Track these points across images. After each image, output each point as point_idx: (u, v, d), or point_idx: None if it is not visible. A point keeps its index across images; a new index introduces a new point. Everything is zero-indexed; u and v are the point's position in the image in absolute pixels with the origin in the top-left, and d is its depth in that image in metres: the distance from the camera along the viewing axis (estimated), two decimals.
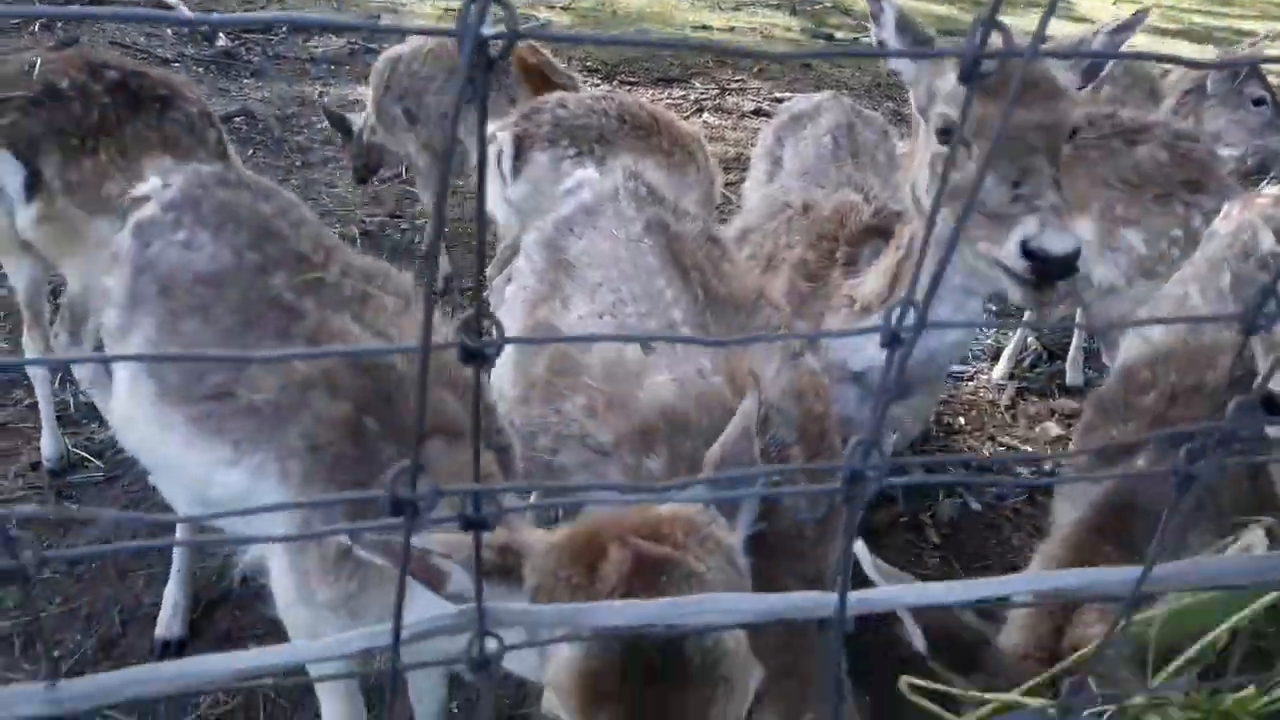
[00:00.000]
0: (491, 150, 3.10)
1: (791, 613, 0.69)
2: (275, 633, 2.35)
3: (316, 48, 7.61)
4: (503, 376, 2.01)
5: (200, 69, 6.90)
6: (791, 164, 2.89)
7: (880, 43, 1.94)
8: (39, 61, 2.52)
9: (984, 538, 3.21)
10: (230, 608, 2.63)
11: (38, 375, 2.87)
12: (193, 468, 1.77)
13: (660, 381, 1.71)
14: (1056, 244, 1.66)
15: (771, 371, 1.80)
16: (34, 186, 2.41)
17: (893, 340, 0.59)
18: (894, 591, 0.73)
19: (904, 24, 1.91)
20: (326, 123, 5.15)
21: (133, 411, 1.87)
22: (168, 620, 2.50)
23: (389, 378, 1.65)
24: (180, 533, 2.51)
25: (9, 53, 3.61)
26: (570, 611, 0.74)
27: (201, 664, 0.74)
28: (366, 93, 4.73)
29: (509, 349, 1.96)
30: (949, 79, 1.88)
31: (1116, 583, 0.78)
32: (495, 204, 3.17)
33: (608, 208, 2.15)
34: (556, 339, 1.95)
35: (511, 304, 2.15)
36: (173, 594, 2.51)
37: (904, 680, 0.96)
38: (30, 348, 2.84)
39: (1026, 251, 1.68)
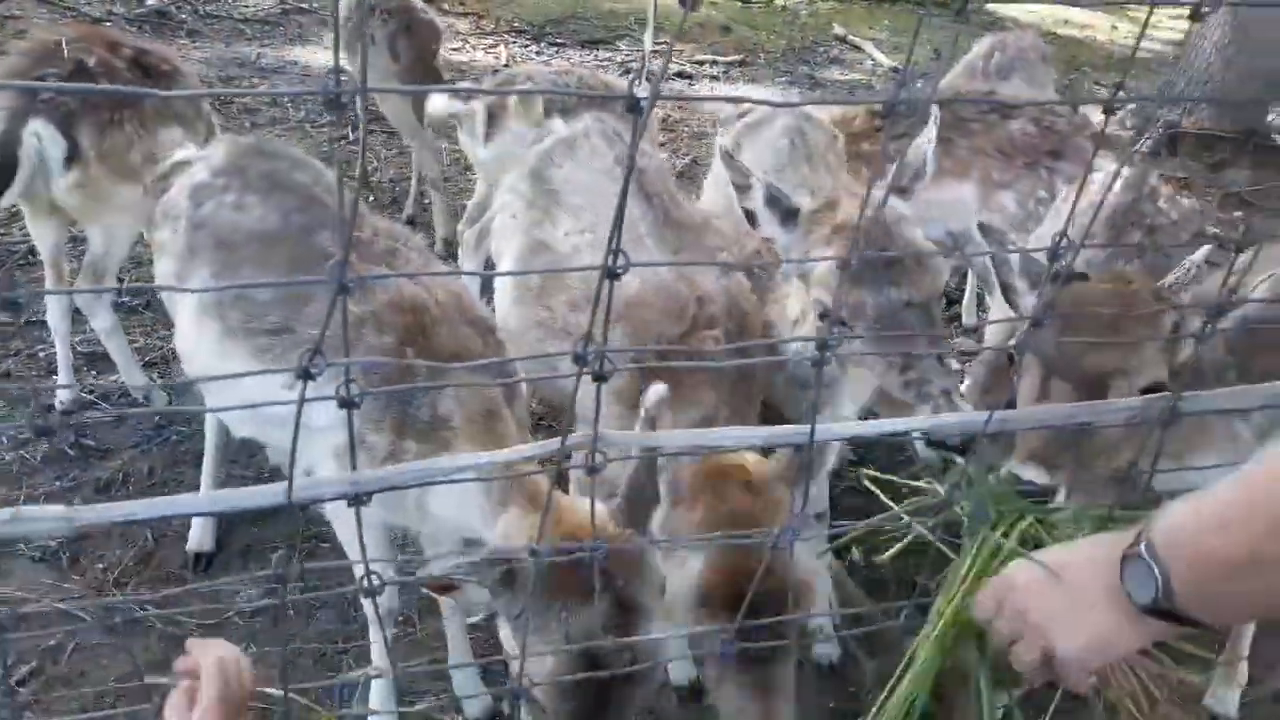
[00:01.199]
0: (467, 116, 3.50)
1: (776, 440, 1.17)
2: (288, 546, 2.79)
3: (248, 7, 7.74)
4: (503, 289, 2.47)
5: (133, 29, 6.98)
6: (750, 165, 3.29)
7: (748, 213, 2.16)
8: (63, 40, 2.82)
9: None
10: (249, 525, 3.02)
11: (58, 326, 3.18)
12: (254, 394, 2.16)
13: (626, 281, 2.17)
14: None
15: (711, 280, 2.28)
16: (72, 157, 2.73)
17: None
18: (851, 427, 1.22)
19: (771, 198, 2.15)
20: (268, 84, 5.38)
21: (196, 346, 2.25)
22: (198, 536, 2.89)
23: (424, 317, 2.06)
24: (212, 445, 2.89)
25: None
26: (638, 437, 1.20)
27: (172, 503, 1.18)
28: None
29: (505, 268, 2.42)
30: (821, 268, 2.05)
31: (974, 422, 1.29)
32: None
33: (582, 144, 2.64)
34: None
35: (505, 231, 2.64)
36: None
37: (863, 473, 1.43)
38: (53, 302, 3.15)
39: (929, 442, 1.88)
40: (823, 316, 2.03)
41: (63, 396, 3.33)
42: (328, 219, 2.21)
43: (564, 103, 3.12)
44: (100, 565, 2.85)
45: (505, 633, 1.71)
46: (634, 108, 0.83)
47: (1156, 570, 1.05)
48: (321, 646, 2.68)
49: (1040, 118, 3.22)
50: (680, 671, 2.57)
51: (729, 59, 7.85)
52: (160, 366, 3.67)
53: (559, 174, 2.61)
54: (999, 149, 3.17)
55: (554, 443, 1.14)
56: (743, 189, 2.16)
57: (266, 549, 2.96)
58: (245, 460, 3.21)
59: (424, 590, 2.25)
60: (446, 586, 1.65)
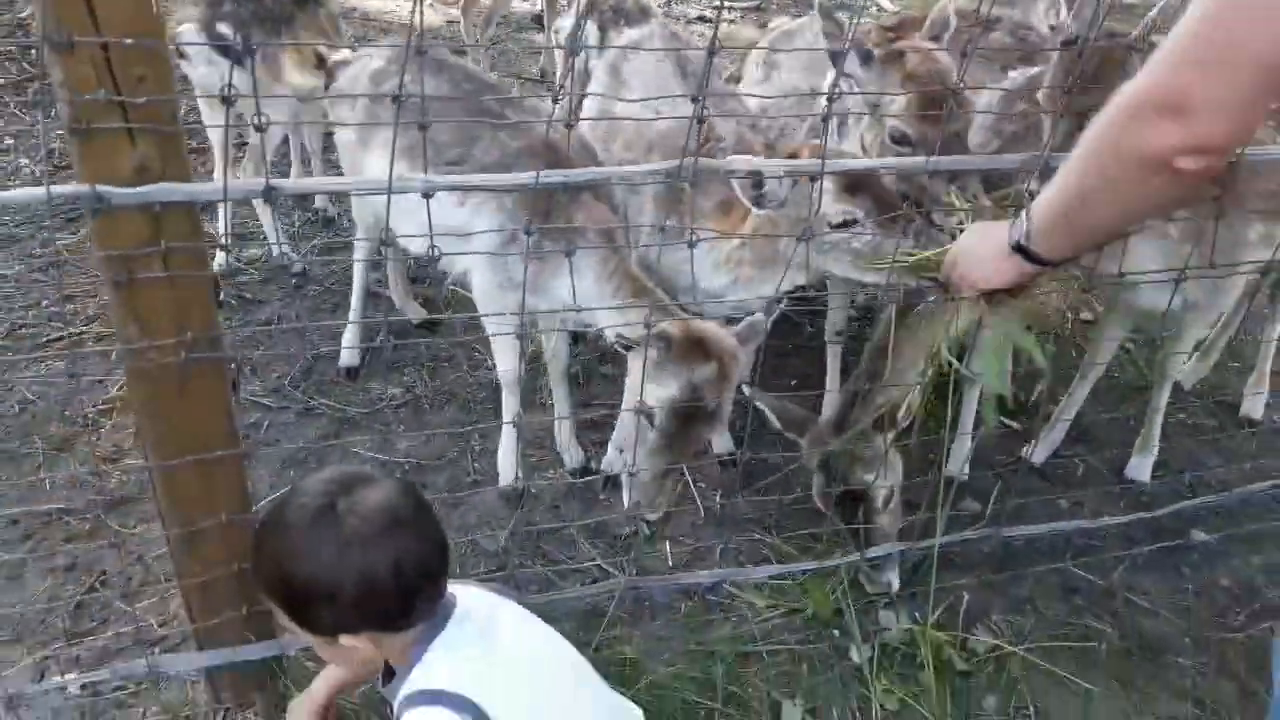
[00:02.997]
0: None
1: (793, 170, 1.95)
2: (402, 368, 3.60)
3: None
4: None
5: None
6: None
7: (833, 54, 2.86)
8: None
9: None
10: (383, 351, 3.83)
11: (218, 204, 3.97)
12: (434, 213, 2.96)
13: (659, 125, 2.89)
14: None
15: (726, 127, 3.07)
16: (243, 58, 3.48)
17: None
18: (865, 161, 2.01)
19: (856, 43, 2.89)
20: None
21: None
22: (348, 354, 3.69)
23: (559, 153, 2.82)
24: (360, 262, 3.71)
25: None
26: None
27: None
28: None
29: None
30: (899, 101, 2.81)
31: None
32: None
33: (645, 43, 3.44)
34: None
35: (592, 101, 3.52)
36: (351, 333, 3.70)
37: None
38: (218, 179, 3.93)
39: None
40: (899, 140, 2.85)
41: (218, 262, 4.12)
42: (481, 85, 3.02)
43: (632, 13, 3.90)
44: (274, 374, 3.65)
45: (633, 379, 2.63)
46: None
47: (1024, 221, 1.83)
48: (450, 430, 3.49)
49: (1014, 30, 3.97)
50: (722, 444, 3.39)
51: (744, 4, 8.52)
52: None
53: (628, 67, 3.44)
54: (981, 55, 3.92)
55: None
56: (833, 36, 2.88)
57: (404, 363, 3.77)
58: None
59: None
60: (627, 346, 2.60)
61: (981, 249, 1.96)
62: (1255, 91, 1.33)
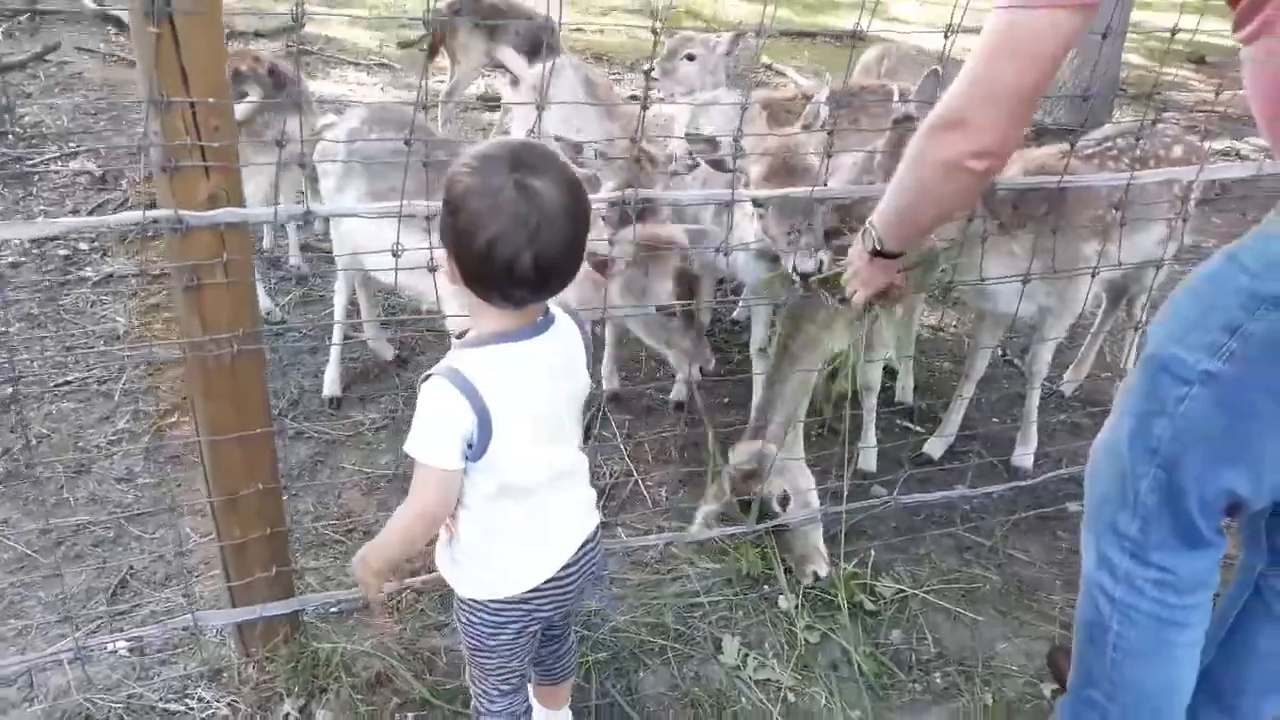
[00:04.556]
0: None
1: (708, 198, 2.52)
2: (378, 398, 4.07)
3: None
4: None
5: None
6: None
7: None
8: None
9: None
10: (361, 381, 4.30)
11: None
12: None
13: None
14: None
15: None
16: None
17: None
18: (766, 192, 2.59)
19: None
20: None
21: (356, 225, 3.55)
22: (330, 384, 4.16)
23: None
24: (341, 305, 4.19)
25: None
26: None
27: None
28: None
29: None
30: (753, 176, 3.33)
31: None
32: None
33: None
34: None
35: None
36: (333, 370, 4.17)
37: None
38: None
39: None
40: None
41: None
42: (435, 143, 3.58)
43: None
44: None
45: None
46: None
47: (873, 230, 2.43)
48: None
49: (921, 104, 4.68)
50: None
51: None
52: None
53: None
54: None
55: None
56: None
57: (379, 396, 4.24)
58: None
59: None
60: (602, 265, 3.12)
61: (855, 262, 2.57)
62: (1012, 112, 1.94)
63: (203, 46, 1.98)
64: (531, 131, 3.29)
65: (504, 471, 1.81)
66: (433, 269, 2.42)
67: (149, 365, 4.25)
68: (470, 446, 1.74)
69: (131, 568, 3.14)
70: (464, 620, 2.02)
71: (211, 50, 2.01)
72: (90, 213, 5.47)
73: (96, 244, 5.18)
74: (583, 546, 2.01)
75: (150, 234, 5.26)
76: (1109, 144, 3.83)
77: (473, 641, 2.03)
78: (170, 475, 3.60)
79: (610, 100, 4.72)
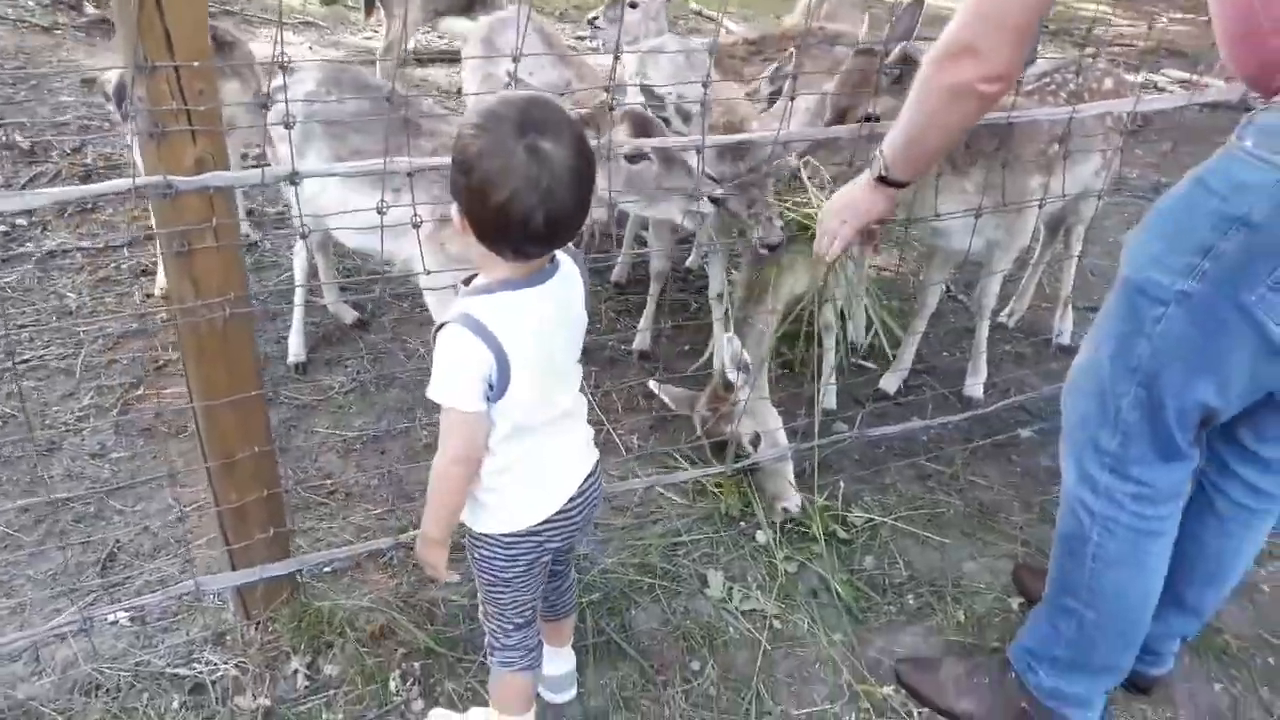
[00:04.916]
0: None
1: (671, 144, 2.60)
2: (343, 361, 4.08)
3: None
4: None
5: (81, 35, 7.98)
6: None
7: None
8: None
9: None
10: (327, 345, 4.30)
11: None
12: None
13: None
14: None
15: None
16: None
17: None
18: (737, 136, 2.67)
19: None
20: None
21: (321, 188, 3.53)
22: (295, 350, 4.15)
23: None
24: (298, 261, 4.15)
25: None
26: None
27: None
28: None
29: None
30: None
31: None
32: None
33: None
34: None
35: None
36: (296, 336, 4.16)
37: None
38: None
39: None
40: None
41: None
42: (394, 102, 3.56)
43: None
44: None
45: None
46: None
47: (881, 158, 2.52)
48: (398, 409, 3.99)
49: (856, 44, 4.76)
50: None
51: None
52: None
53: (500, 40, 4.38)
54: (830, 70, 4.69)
55: None
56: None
57: (344, 360, 4.25)
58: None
59: None
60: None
61: (853, 193, 2.65)
62: (1019, 40, 2.06)
63: (186, 11, 1.98)
64: (509, 84, 3.29)
65: (516, 411, 1.88)
66: (417, 225, 2.47)
67: (106, 339, 4.19)
68: (491, 388, 1.81)
69: (118, 541, 3.13)
70: (478, 555, 2.10)
71: (195, 14, 2.01)
72: (23, 186, 5.31)
73: (35, 218, 5.04)
74: (586, 479, 2.11)
75: (91, 206, 5.15)
76: (1047, 79, 3.97)
77: (487, 576, 2.12)
78: (142, 448, 3.58)
79: (563, 50, 4.72)
